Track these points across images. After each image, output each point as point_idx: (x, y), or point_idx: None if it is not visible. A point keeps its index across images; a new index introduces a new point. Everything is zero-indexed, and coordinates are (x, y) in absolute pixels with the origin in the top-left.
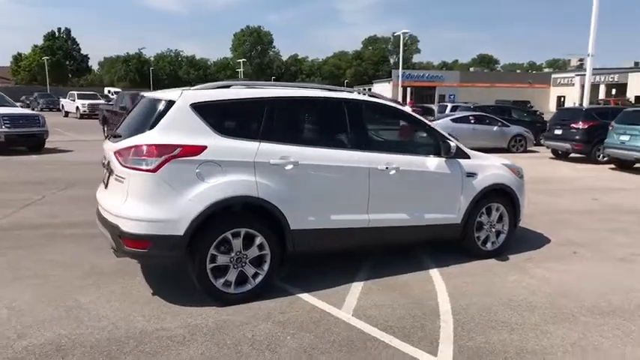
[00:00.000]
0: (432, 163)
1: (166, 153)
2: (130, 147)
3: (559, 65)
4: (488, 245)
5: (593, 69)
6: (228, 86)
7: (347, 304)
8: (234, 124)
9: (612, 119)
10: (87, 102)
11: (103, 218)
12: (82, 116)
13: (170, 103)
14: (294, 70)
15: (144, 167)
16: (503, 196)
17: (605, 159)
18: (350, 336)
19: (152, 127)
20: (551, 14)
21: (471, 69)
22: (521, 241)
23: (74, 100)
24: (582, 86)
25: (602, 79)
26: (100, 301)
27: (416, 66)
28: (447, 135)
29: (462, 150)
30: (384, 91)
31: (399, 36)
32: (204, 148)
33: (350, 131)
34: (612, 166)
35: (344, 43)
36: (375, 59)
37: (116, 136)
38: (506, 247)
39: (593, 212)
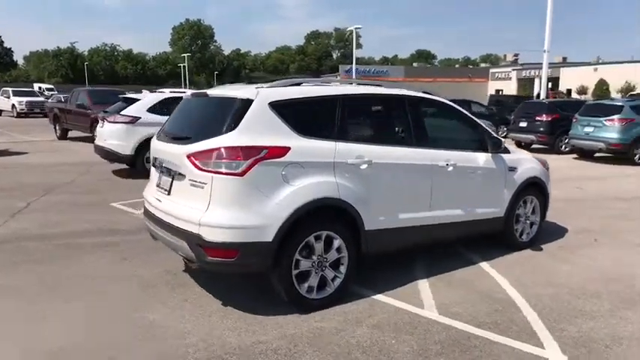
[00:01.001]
0: (482, 158)
1: (253, 155)
2: (212, 149)
3: (492, 60)
4: (524, 236)
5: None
6: (299, 83)
7: (426, 302)
8: (311, 123)
9: (573, 112)
10: (25, 99)
11: (170, 226)
12: (19, 115)
13: (247, 102)
14: (237, 65)
15: (230, 171)
16: (536, 188)
17: (567, 149)
18: (451, 335)
19: (231, 127)
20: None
21: (415, 64)
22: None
23: (9, 98)
24: (519, 80)
25: (537, 73)
26: (173, 316)
27: (358, 61)
28: (491, 131)
29: (504, 145)
30: None
31: (341, 31)
32: (288, 149)
33: (413, 128)
34: (575, 155)
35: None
36: (318, 54)
37: (178, 138)
38: (537, 238)
39: (584, 200)
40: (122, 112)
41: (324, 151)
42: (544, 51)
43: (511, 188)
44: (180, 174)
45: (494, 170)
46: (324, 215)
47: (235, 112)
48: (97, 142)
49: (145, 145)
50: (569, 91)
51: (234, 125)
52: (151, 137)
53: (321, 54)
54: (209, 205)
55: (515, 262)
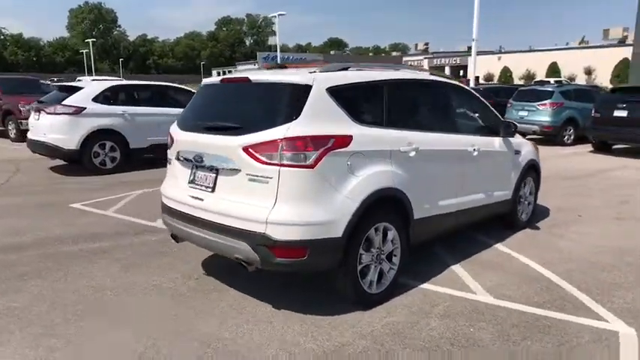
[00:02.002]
0: (497, 142)
1: (322, 145)
2: (277, 140)
3: (401, 49)
4: (523, 216)
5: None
6: (346, 68)
7: (473, 287)
8: (365, 110)
9: (506, 97)
10: None
11: (221, 227)
12: None
13: (306, 88)
14: (144, 52)
15: (300, 163)
16: (533, 170)
17: None
18: (521, 318)
19: (294, 116)
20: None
21: (332, 52)
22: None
23: None
24: (430, 68)
25: (447, 62)
26: (228, 325)
27: (274, 48)
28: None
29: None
30: None
31: (253, 17)
32: (351, 137)
33: (448, 114)
34: None
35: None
36: (230, 41)
37: (221, 129)
38: (532, 217)
39: (545, 180)
40: (64, 103)
41: (382, 139)
42: (473, 40)
43: (517, 171)
44: (231, 169)
45: (507, 154)
46: (382, 206)
47: (294, 98)
48: (32, 136)
49: (91, 139)
50: (477, 78)
51: (296, 113)
52: (99, 129)
53: (234, 41)
54: (276, 201)
55: (525, 242)
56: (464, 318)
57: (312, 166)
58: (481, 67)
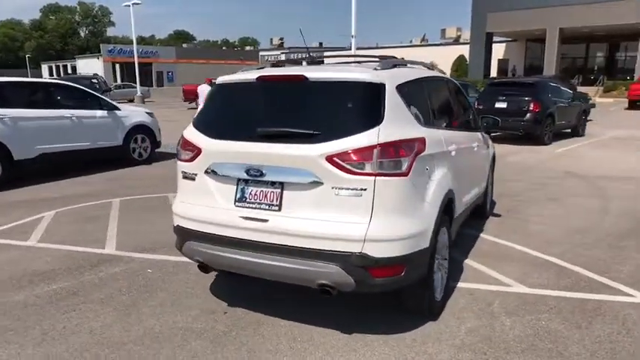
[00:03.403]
0: (481, 137)
1: (412, 150)
2: (370, 147)
3: (251, 43)
4: (488, 206)
5: (294, 47)
6: (397, 64)
7: (503, 280)
8: (420, 110)
9: None
10: None
11: (300, 251)
12: None
13: (380, 88)
14: None
15: (396, 171)
16: (493, 161)
17: None
18: (572, 304)
19: (377, 118)
20: None
21: (184, 45)
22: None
23: None
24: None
25: (304, 56)
26: None
27: (114, 40)
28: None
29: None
30: (94, 67)
31: (86, 5)
32: (424, 140)
33: (460, 111)
34: None
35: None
36: (61, 31)
37: (286, 136)
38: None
39: None
40: None
41: (439, 140)
42: (352, 36)
43: (488, 163)
44: (309, 182)
45: (487, 148)
46: (446, 209)
47: (372, 99)
48: None
49: None
50: None
51: (379, 115)
52: None
53: (66, 31)
54: (372, 214)
55: (502, 229)
56: (526, 312)
57: (406, 174)
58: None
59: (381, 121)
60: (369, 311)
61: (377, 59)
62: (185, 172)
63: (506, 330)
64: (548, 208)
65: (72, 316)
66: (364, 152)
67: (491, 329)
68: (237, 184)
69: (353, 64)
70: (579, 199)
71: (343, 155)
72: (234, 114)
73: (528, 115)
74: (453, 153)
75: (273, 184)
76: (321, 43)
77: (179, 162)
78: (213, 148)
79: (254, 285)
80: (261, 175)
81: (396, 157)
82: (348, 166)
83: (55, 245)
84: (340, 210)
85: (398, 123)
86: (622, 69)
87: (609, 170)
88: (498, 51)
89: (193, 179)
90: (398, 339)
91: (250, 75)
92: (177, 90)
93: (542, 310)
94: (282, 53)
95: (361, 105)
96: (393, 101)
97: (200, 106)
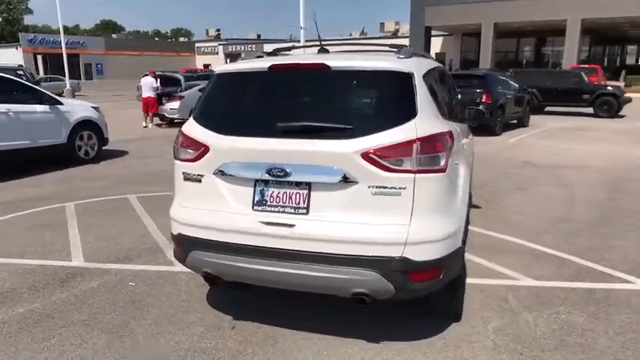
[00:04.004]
0: (469, 128)
1: (446, 144)
2: (409, 142)
3: (184, 34)
4: (472, 197)
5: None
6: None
7: (508, 273)
8: (438, 102)
9: None
10: None
11: (332, 258)
12: None
13: (409, 77)
14: None
15: (435, 167)
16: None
17: None
18: (581, 295)
19: (412, 110)
20: None
21: (114, 36)
22: None
23: None
24: (226, 55)
25: (242, 48)
26: None
27: (34, 29)
28: None
29: None
30: (12, 58)
31: None
32: (451, 133)
33: (458, 102)
34: None
35: None
36: None
37: (319, 131)
38: None
39: None
40: None
41: (458, 133)
42: (301, 27)
43: (473, 154)
44: (342, 181)
45: (472, 139)
46: None
47: (403, 90)
48: None
49: None
50: None
51: (413, 108)
52: None
53: None
54: (412, 215)
55: (486, 220)
56: (543, 306)
57: (444, 170)
58: None
59: (416, 113)
60: (386, 317)
61: (388, 48)
62: (187, 174)
63: (532, 327)
64: (520, 198)
65: (53, 344)
66: (403, 148)
67: (518, 327)
68: (255, 186)
69: (363, 53)
70: (545, 188)
71: (381, 151)
72: (247, 107)
73: (481, 106)
74: (465, 146)
75: (298, 184)
76: (259, 35)
77: (178, 162)
78: (224, 145)
79: (255, 294)
80: (286, 174)
81: (434, 152)
82: (387, 164)
83: (10, 259)
84: (377, 211)
85: (428, 115)
86: (549, 63)
87: (562, 159)
88: (435, 45)
89: (199, 181)
90: (429, 344)
91: (260, 64)
92: (109, 83)
93: (556, 302)
94: (220, 45)
95: (394, 96)
96: (422, 92)
97: (146, 97)
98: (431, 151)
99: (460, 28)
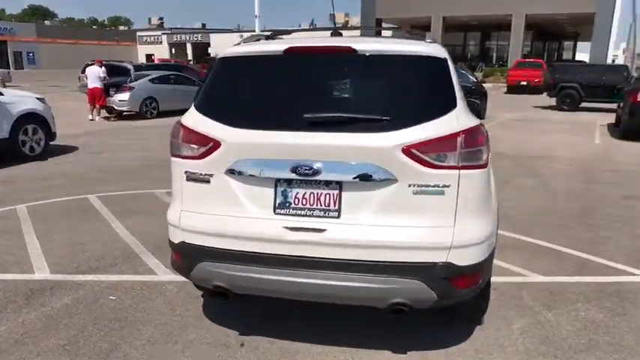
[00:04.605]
0: None
1: (486, 137)
2: (456, 134)
3: (124, 22)
4: None
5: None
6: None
7: (514, 269)
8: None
9: None
10: None
11: (367, 266)
12: None
13: (444, 63)
14: None
15: (478, 162)
16: None
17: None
18: (593, 290)
19: (452, 100)
20: None
21: (47, 22)
22: None
23: None
24: (170, 45)
25: (188, 38)
26: None
27: None
28: None
29: None
30: None
31: None
32: (482, 125)
33: None
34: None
35: None
36: None
37: (340, 124)
38: None
39: None
40: None
41: None
42: (255, 16)
43: None
44: (379, 179)
45: None
46: None
47: (440, 77)
48: None
49: None
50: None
51: (452, 97)
52: None
53: None
54: (455, 216)
55: None
56: (560, 303)
57: (485, 165)
58: (223, 46)
59: (456, 104)
60: (403, 324)
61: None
62: (192, 173)
63: (556, 326)
64: (506, 191)
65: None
66: (447, 142)
67: (542, 327)
68: (277, 186)
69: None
70: (520, 179)
71: (424, 146)
72: (262, 96)
73: None
74: None
75: (328, 184)
76: (204, 25)
77: (180, 160)
78: (240, 140)
79: (255, 304)
80: (315, 173)
81: (476, 146)
82: (429, 159)
83: None
84: (418, 212)
85: (463, 107)
86: (493, 57)
87: (527, 150)
88: None
89: (207, 182)
90: (459, 352)
91: (272, 46)
92: (44, 73)
93: (571, 299)
94: (164, 34)
95: (434, 85)
96: (456, 81)
97: (92, 88)
98: (473, 145)
99: (410, 21)
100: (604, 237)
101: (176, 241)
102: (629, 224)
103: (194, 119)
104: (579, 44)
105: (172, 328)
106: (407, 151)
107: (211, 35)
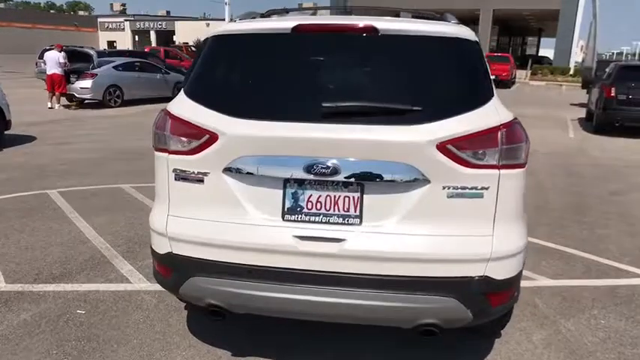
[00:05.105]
0: None
1: (524, 132)
2: (496, 128)
3: (83, 7)
4: None
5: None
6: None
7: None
8: None
9: None
10: None
11: (399, 282)
12: None
13: (478, 48)
14: None
15: (519, 161)
16: None
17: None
18: (607, 293)
19: (489, 89)
20: None
21: (1, 5)
22: None
23: None
24: (133, 32)
25: (152, 25)
26: None
27: None
28: None
29: None
30: None
31: None
32: None
33: None
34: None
35: None
36: None
37: (363, 115)
38: None
39: None
40: None
41: None
42: (225, 3)
43: None
44: (413, 180)
45: None
46: None
47: (475, 63)
48: None
49: None
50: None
51: (489, 85)
52: None
53: None
54: (494, 222)
55: None
56: (576, 310)
57: (524, 164)
58: (189, 33)
59: (493, 93)
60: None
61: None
62: (182, 171)
63: (578, 336)
64: None
65: None
66: (487, 136)
67: (564, 338)
68: (285, 187)
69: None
70: None
71: (462, 141)
72: (268, 81)
73: None
74: None
75: (347, 185)
76: (168, 12)
77: (167, 155)
78: (241, 132)
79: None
80: (333, 172)
81: (516, 142)
82: (467, 157)
83: None
84: (453, 219)
85: (498, 97)
86: None
87: None
88: None
89: (200, 181)
90: None
91: (277, 23)
92: None
93: (586, 305)
94: (127, 20)
95: (467, 70)
96: (488, 68)
97: (51, 74)
98: (514, 141)
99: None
100: (601, 237)
101: (162, 252)
102: (625, 221)
103: (185, 107)
104: (543, 40)
105: (153, 349)
106: (442, 147)
107: (176, 23)
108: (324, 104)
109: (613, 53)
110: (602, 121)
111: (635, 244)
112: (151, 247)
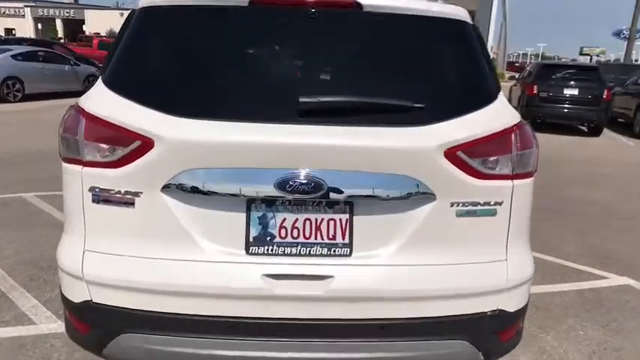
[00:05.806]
0: None
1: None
2: (510, 130)
3: None
4: None
5: (43, 1)
6: None
7: None
8: None
9: None
10: None
11: (399, 326)
12: None
13: (476, 30)
14: None
15: (529, 169)
16: None
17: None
18: (587, 298)
19: (491, 83)
20: None
21: None
22: None
23: None
24: (35, 19)
25: (58, 13)
26: None
27: None
28: None
29: None
30: None
31: None
32: None
33: None
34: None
35: None
36: None
37: (347, 114)
38: None
39: None
40: None
41: None
42: None
43: None
44: (416, 195)
45: None
46: None
47: (478, 52)
48: None
49: None
50: (97, 34)
51: (494, 79)
52: None
53: None
54: (507, 245)
55: None
56: (552, 321)
57: (533, 173)
58: (101, 22)
59: (500, 87)
60: None
61: None
62: (104, 191)
63: (563, 354)
64: None
65: None
66: (499, 140)
67: (551, 358)
68: (250, 210)
69: None
70: None
71: (473, 146)
72: (222, 66)
73: None
74: None
75: (332, 205)
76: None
77: (81, 169)
78: (186, 136)
79: None
80: (316, 188)
81: (529, 147)
82: (479, 166)
83: None
84: (463, 243)
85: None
86: None
87: None
88: None
89: (130, 204)
90: None
91: None
92: None
93: (559, 314)
94: (27, 6)
95: (471, 60)
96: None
97: None
98: (527, 146)
99: None
100: (554, 235)
101: (77, 301)
102: (577, 220)
103: (105, 102)
104: None
105: None
106: (451, 154)
107: (86, 11)
108: (302, 99)
109: (519, 54)
110: (524, 117)
111: (586, 244)
112: (62, 294)
